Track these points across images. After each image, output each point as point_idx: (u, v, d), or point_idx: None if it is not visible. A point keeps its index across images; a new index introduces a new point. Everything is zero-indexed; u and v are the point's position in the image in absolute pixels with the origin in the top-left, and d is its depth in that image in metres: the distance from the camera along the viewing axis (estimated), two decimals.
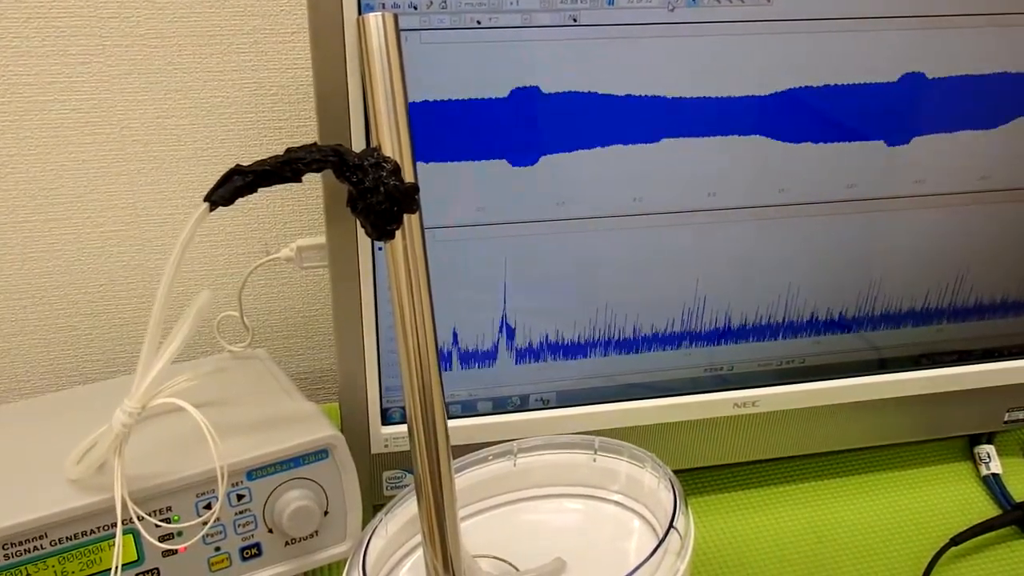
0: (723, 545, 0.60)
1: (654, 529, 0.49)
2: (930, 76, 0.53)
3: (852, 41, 0.52)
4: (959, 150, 0.56)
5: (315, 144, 0.41)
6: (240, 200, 0.68)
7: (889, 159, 0.55)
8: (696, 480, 0.66)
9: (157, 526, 0.46)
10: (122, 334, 0.71)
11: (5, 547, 0.43)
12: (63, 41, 0.61)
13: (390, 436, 0.56)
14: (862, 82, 0.53)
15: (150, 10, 0.62)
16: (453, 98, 0.49)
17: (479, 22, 0.47)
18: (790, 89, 0.52)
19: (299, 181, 0.41)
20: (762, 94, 0.52)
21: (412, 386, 0.42)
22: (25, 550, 0.44)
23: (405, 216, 0.41)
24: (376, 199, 0.40)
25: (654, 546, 0.44)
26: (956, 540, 0.58)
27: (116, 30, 0.62)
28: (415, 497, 0.43)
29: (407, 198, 0.41)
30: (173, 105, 0.65)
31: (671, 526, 0.45)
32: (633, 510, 0.50)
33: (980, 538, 0.59)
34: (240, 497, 0.48)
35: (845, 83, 0.53)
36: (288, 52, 0.65)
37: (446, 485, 0.42)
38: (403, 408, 0.50)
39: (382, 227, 0.41)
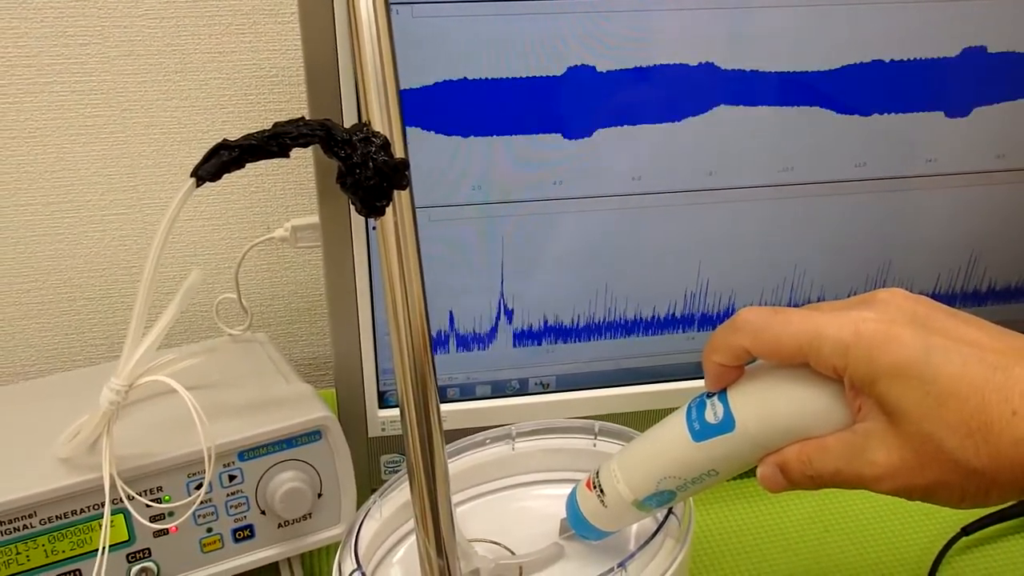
0: (726, 533, 0.59)
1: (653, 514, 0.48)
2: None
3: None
4: (971, 129, 0.55)
5: (303, 119, 0.41)
6: (245, 180, 0.69)
7: (898, 136, 0.54)
8: None
9: (148, 506, 0.46)
10: (125, 317, 0.71)
11: None
12: (62, 23, 0.61)
13: (387, 419, 0.56)
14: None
15: None
16: (447, 76, 0.48)
17: None
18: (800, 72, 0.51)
19: (287, 156, 0.41)
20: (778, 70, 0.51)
21: (404, 367, 0.41)
22: (14, 528, 0.44)
23: (395, 192, 0.40)
24: (365, 174, 0.40)
25: (653, 531, 0.43)
26: (967, 530, 0.57)
27: (115, 11, 0.62)
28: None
29: (397, 173, 0.40)
30: (173, 87, 0.65)
31: (670, 511, 0.44)
32: None
33: (992, 528, 0.57)
34: (232, 478, 0.48)
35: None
36: (288, 33, 0.65)
37: (439, 467, 0.41)
38: None
39: (371, 203, 0.40)
